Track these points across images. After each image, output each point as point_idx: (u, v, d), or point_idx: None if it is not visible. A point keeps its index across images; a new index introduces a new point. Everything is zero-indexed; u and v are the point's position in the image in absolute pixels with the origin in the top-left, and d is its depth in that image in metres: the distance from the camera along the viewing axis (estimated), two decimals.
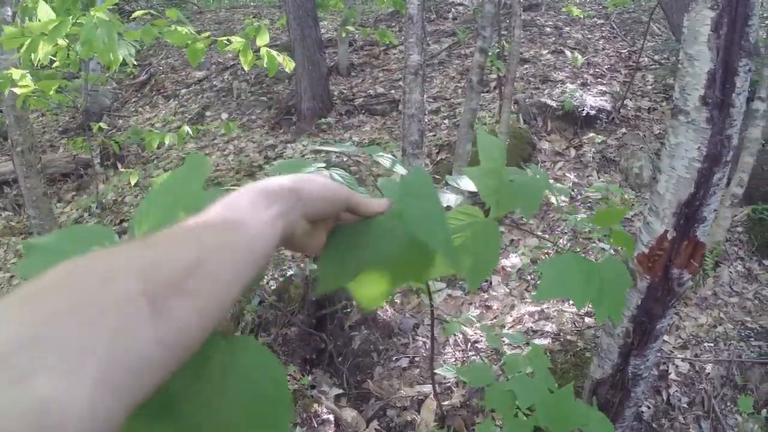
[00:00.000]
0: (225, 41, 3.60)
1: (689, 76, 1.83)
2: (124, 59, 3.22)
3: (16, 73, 3.65)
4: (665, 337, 3.91)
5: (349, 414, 3.44)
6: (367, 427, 3.38)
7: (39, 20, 2.79)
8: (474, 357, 3.76)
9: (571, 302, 4.24)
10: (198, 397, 0.73)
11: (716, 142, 1.82)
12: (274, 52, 3.84)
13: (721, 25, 1.74)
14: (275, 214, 0.74)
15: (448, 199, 1.59)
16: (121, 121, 9.69)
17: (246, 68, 3.78)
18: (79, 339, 0.48)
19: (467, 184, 1.56)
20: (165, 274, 0.57)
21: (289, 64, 3.86)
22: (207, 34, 3.54)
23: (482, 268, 1.24)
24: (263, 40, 3.67)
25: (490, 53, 5.39)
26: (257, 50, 3.80)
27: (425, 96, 4.50)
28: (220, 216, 0.70)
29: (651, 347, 2.25)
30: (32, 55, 2.74)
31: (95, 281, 0.53)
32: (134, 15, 4.04)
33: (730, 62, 1.76)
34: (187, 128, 5.91)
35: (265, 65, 3.81)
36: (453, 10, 11.72)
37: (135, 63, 3.29)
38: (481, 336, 3.93)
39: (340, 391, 3.62)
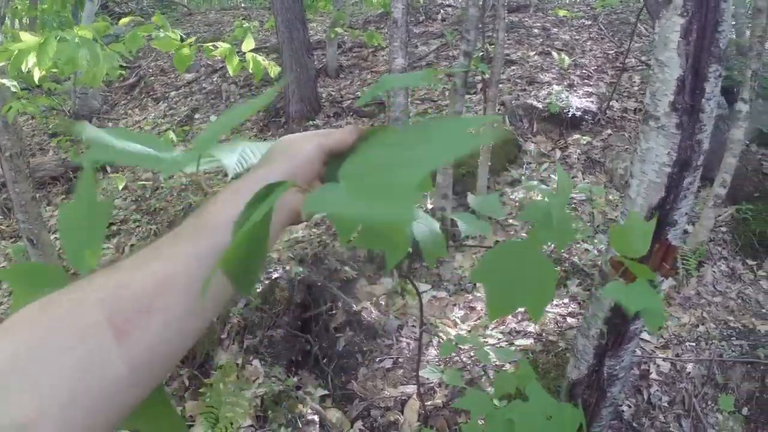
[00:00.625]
0: (211, 47, 3.62)
1: (659, 82, 1.86)
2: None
3: None
4: (647, 337, 3.96)
5: (333, 415, 3.47)
6: (351, 427, 3.42)
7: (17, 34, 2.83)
8: (457, 358, 3.80)
9: (554, 302, 4.28)
10: None
11: (686, 147, 1.85)
12: (259, 57, 3.85)
13: (691, 32, 1.77)
14: None
15: (469, 227, 1.55)
16: (110, 124, 9.67)
17: (232, 73, 3.79)
18: (51, 368, 0.52)
19: (484, 206, 1.59)
20: (129, 296, 0.59)
21: (273, 69, 3.88)
22: (193, 39, 3.55)
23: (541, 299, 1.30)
24: (249, 45, 3.69)
25: (474, 56, 5.43)
26: (244, 54, 3.82)
27: (410, 98, 4.52)
28: (192, 225, 0.69)
29: (626, 348, 2.29)
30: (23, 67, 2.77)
31: (62, 314, 0.56)
32: (121, 22, 4.06)
33: (700, 68, 1.79)
34: (171, 134, 5.93)
35: (251, 70, 3.83)
36: (442, 11, 11.74)
37: (124, 65, 3.32)
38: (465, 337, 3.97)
39: (325, 392, 3.66)
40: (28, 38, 2.69)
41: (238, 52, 3.81)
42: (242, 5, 16.83)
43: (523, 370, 2.57)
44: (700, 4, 1.74)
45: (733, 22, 9.86)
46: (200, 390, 3.45)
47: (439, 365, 3.73)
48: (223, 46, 3.70)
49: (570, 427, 2.10)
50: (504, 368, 3.64)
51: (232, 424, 3.23)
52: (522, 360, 3.27)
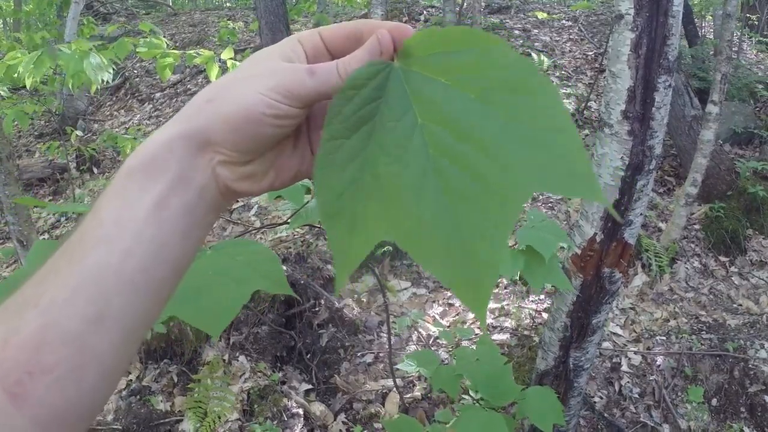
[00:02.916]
0: (194, 54, 3.73)
1: (612, 92, 2.00)
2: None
3: None
4: (619, 331, 4.09)
5: (317, 408, 3.58)
6: (334, 420, 3.53)
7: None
8: (435, 351, 3.92)
9: (531, 299, 4.40)
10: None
11: (638, 153, 1.99)
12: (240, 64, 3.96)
13: (641, 46, 1.91)
14: (158, 197, 0.54)
15: None
16: (96, 125, 9.70)
17: (213, 80, 3.90)
18: None
19: None
20: (11, 355, 0.49)
21: None
22: (176, 53, 3.64)
23: None
24: (228, 54, 3.80)
25: None
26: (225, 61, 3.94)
27: None
28: (73, 244, 0.54)
29: (589, 340, 2.42)
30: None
31: None
32: (108, 30, 4.16)
33: (650, 79, 1.93)
34: None
35: None
36: (425, 12, 11.81)
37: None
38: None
39: (309, 386, 3.76)
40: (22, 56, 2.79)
41: (218, 60, 3.92)
42: (227, 4, 16.86)
43: (481, 341, 2.66)
44: (650, 20, 1.87)
45: (713, 23, 10.00)
46: (188, 386, 3.54)
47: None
48: (204, 53, 3.81)
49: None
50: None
51: (219, 418, 3.32)
52: (485, 335, 3.40)
